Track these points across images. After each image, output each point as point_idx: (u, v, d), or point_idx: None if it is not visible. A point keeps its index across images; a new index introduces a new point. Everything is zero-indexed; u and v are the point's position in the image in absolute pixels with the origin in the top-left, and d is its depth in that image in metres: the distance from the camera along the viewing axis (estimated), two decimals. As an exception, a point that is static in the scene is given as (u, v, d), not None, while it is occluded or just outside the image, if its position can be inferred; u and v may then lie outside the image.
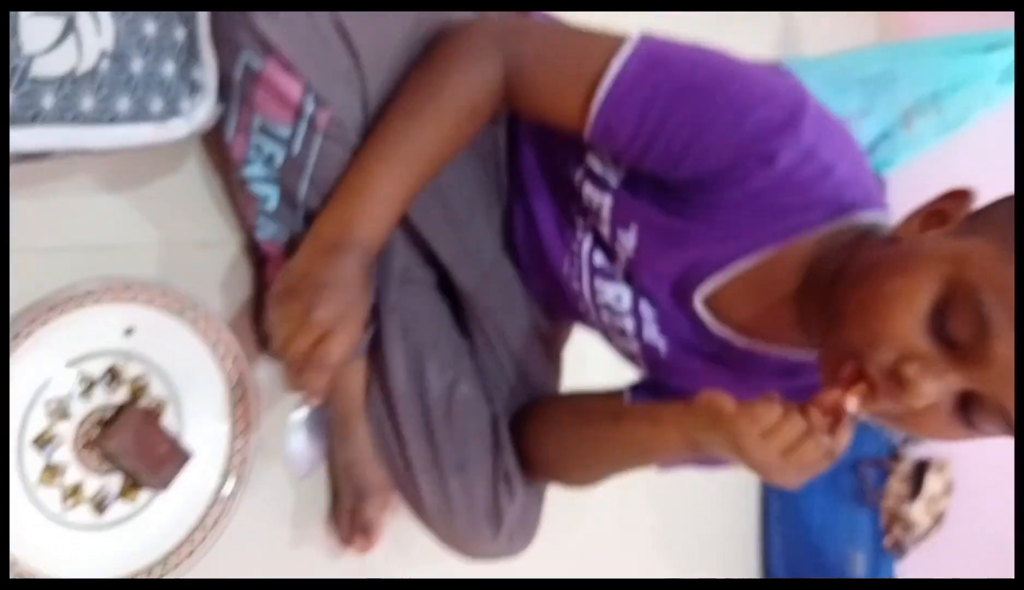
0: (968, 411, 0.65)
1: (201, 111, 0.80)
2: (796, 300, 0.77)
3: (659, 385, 0.94)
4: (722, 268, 0.78)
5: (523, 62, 0.81)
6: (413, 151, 0.80)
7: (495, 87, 0.81)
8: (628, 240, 0.83)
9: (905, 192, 1.97)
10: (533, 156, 0.95)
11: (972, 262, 0.63)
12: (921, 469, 2.04)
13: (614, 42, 0.78)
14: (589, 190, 0.86)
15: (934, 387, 0.64)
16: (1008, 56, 1.80)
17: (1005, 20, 1.96)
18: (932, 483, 2.01)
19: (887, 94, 1.91)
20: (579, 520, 1.31)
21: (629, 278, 0.87)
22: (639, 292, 0.87)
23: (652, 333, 0.88)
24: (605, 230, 0.85)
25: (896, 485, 2.01)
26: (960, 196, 0.69)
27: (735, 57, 0.79)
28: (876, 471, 2.02)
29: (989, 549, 1.92)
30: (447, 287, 1.02)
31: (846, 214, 0.75)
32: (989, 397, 0.63)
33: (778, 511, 2.03)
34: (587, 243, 0.90)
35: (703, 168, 0.75)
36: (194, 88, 0.79)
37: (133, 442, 0.85)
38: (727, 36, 1.94)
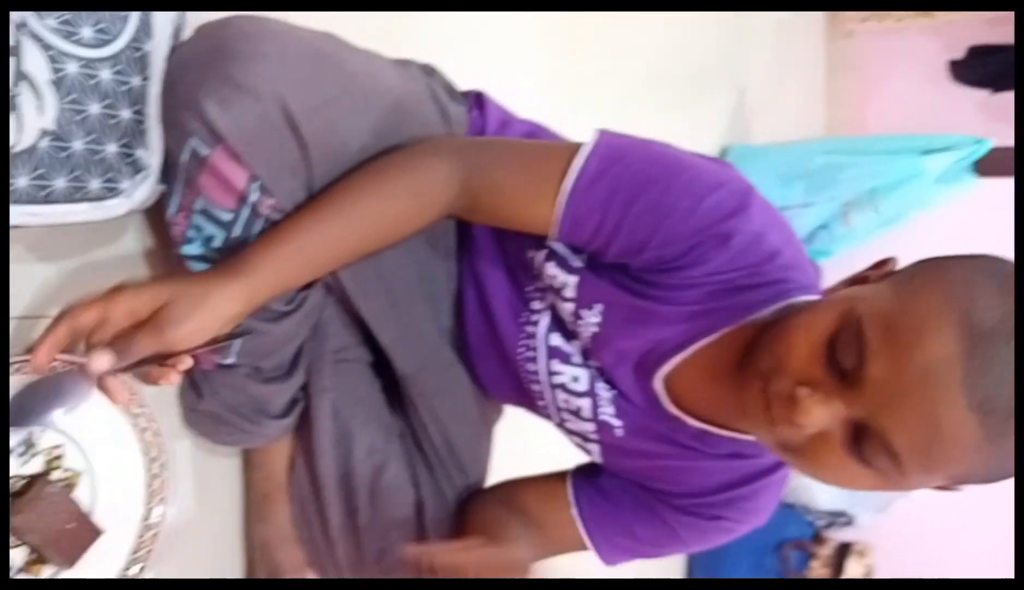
0: (860, 445, 0.67)
1: (142, 191, 0.79)
2: (733, 380, 0.79)
3: (600, 469, 0.95)
4: (683, 348, 0.81)
5: (485, 169, 0.82)
6: (345, 216, 0.78)
7: (452, 184, 0.81)
8: (592, 318, 0.84)
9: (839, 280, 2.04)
10: (488, 238, 0.95)
11: (865, 299, 0.67)
12: (843, 552, 2.07)
13: (573, 145, 0.80)
14: (552, 270, 0.87)
15: (821, 410, 0.67)
16: (944, 161, 1.87)
17: (950, 124, 2.04)
18: (852, 568, 2.05)
19: (828, 188, 1.97)
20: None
21: (587, 357, 0.88)
22: (599, 372, 0.88)
23: (608, 413, 0.89)
24: (568, 309, 0.86)
25: (818, 569, 2.04)
26: (884, 263, 0.74)
27: (683, 152, 0.82)
28: (798, 553, 2.05)
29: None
30: (382, 366, 1.01)
31: (790, 296, 0.79)
32: (874, 427, 0.65)
33: None
34: (544, 323, 0.90)
35: (664, 254, 0.78)
36: (136, 168, 0.79)
37: (41, 517, 0.83)
38: (681, 123, 2.00)
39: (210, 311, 0.71)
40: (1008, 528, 1.80)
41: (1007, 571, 1.70)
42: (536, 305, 0.91)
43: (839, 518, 2.10)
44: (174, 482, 0.93)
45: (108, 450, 0.89)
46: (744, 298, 0.78)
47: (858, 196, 1.96)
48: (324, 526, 0.97)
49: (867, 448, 0.67)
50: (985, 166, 1.86)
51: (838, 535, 2.13)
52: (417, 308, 0.97)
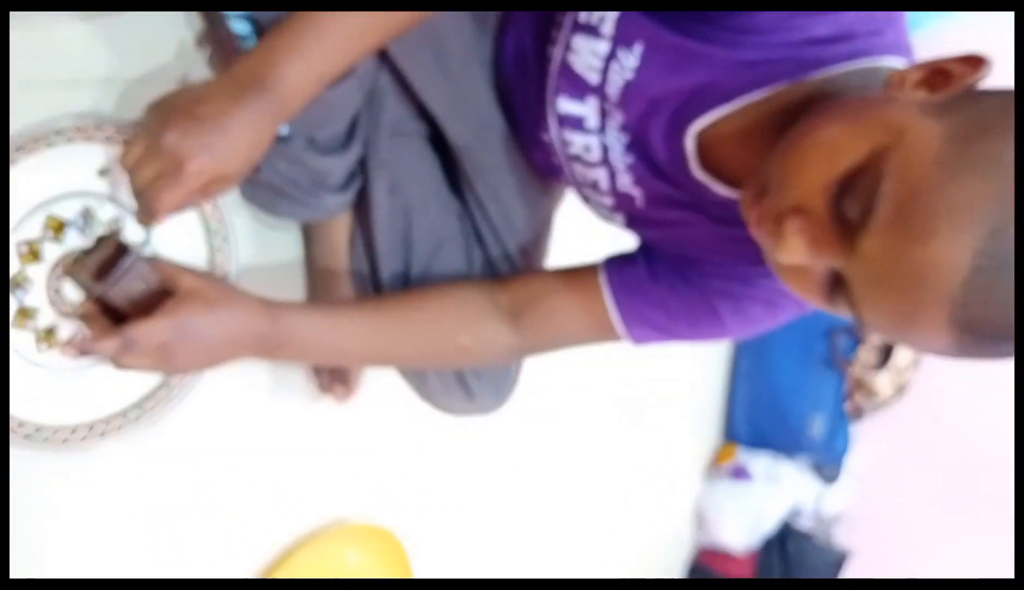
0: (833, 291, 0.62)
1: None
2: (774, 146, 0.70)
3: (633, 257, 0.90)
4: (729, 99, 0.71)
5: None
6: None
7: None
8: (629, 61, 0.75)
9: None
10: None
11: (905, 146, 0.56)
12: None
13: None
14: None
15: (803, 252, 0.60)
16: None
17: None
18: (901, 355, 2.06)
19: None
20: (548, 380, 1.32)
21: (605, 117, 0.80)
22: (621, 130, 0.80)
23: (626, 183, 0.83)
24: (600, 50, 0.76)
25: (865, 354, 2.05)
26: (974, 63, 0.60)
27: None
28: (848, 339, 2.05)
29: (944, 427, 1.99)
30: (441, 141, 0.97)
31: (870, 56, 0.68)
32: (851, 291, 0.60)
33: (746, 369, 2.07)
34: (553, 78, 0.81)
35: None
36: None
37: (129, 280, 0.82)
38: None
39: (237, 145, 0.69)
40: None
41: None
42: (551, 51, 0.82)
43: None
44: (235, 256, 0.92)
45: (167, 223, 0.88)
46: (815, 51, 0.68)
47: None
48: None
49: (838, 298, 0.61)
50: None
51: (889, 322, 2.11)
52: (472, 73, 0.89)
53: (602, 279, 0.88)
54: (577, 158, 0.84)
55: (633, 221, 0.87)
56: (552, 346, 0.94)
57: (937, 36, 1.71)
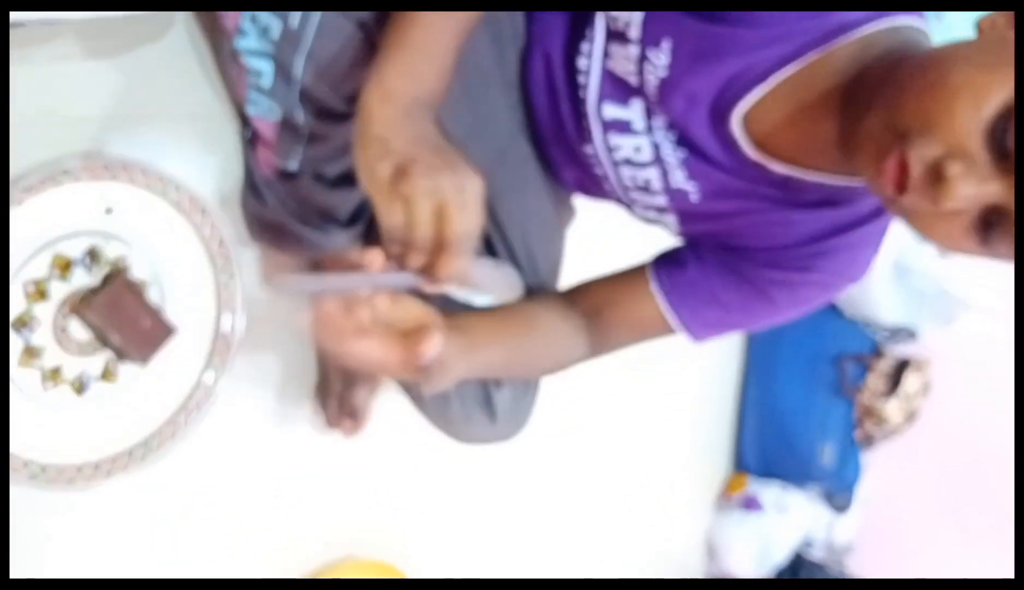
0: (989, 228, 0.63)
1: (189, -23, 0.73)
2: (837, 113, 0.72)
3: (682, 255, 0.90)
4: (764, 78, 0.73)
5: None
6: None
7: None
8: (660, 59, 0.76)
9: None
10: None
11: None
12: (901, 368, 2.06)
13: None
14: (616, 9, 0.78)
15: (971, 192, 0.61)
16: None
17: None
18: (910, 381, 2.04)
19: None
20: (556, 411, 1.31)
21: (651, 116, 0.81)
22: (669, 128, 0.81)
23: (679, 179, 0.83)
24: (633, 55, 0.78)
25: (874, 381, 2.03)
26: None
27: None
28: (856, 366, 2.04)
29: (954, 453, 1.97)
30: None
31: (887, 16, 0.71)
32: (1014, 219, 0.61)
33: (755, 397, 2.06)
34: (593, 92, 0.82)
35: None
36: (182, -48, 0.72)
37: (117, 312, 0.83)
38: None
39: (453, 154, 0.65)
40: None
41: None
42: (582, 63, 0.82)
43: (901, 333, 2.07)
44: (242, 291, 0.91)
45: (174, 260, 0.87)
46: (834, 19, 0.70)
47: None
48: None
49: (996, 235, 0.62)
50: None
51: (898, 349, 2.11)
52: (490, 96, 0.89)
53: (654, 286, 0.89)
54: (627, 161, 0.84)
55: (686, 219, 0.87)
56: (620, 347, 0.95)
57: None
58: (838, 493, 2.00)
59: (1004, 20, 0.65)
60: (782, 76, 0.72)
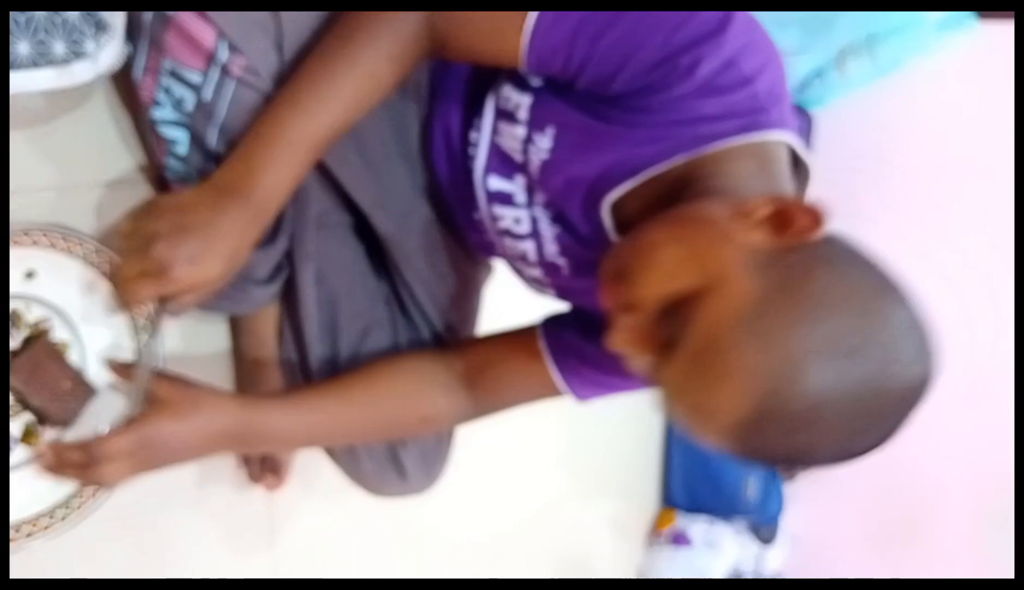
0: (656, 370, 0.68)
1: (108, 53, 0.76)
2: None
3: (567, 318, 0.95)
4: (635, 173, 0.77)
5: (450, 16, 0.78)
6: (327, 96, 0.76)
7: (418, 30, 0.78)
8: (544, 143, 0.82)
9: (832, 129, 2.00)
10: (459, 77, 0.91)
11: (720, 296, 0.62)
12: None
13: None
14: (508, 91, 0.84)
15: (625, 346, 0.68)
16: (944, 11, 1.80)
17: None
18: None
19: (824, 34, 1.90)
20: (478, 456, 1.34)
21: (532, 194, 0.86)
22: (545, 206, 0.86)
23: (552, 253, 0.88)
24: (519, 134, 0.83)
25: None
26: (815, 218, 0.65)
27: None
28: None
29: (876, 481, 2.04)
30: (365, 229, 1.00)
31: (758, 131, 0.74)
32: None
33: (680, 435, 2.11)
34: (480, 163, 0.88)
35: (634, 83, 0.74)
36: (100, 28, 0.75)
37: (38, 375, 0.84)
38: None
39: (222, 253, 0.74)
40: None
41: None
42: (473, 136, 0.88)
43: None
44: (163, 349, 0.93)
45: (94, 322, 0.89)
46: (705, 128, 0.74)
47: (854, 42, 1.89)
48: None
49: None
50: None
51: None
52: (393, 166, 0.94)
53: (541, 344, 0.93)
54: (507, 232, 0.89)
55: (561, 291, 0.93)
56: (505, 407, 0.99)
57: (834, 110, 1.80)
58: (764, 525, 2.06)
59: (764, 213, 0.66)
60: (651, 173, 0.77)
